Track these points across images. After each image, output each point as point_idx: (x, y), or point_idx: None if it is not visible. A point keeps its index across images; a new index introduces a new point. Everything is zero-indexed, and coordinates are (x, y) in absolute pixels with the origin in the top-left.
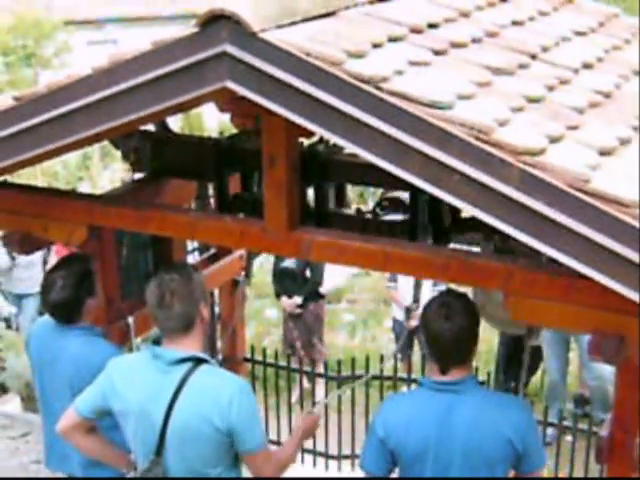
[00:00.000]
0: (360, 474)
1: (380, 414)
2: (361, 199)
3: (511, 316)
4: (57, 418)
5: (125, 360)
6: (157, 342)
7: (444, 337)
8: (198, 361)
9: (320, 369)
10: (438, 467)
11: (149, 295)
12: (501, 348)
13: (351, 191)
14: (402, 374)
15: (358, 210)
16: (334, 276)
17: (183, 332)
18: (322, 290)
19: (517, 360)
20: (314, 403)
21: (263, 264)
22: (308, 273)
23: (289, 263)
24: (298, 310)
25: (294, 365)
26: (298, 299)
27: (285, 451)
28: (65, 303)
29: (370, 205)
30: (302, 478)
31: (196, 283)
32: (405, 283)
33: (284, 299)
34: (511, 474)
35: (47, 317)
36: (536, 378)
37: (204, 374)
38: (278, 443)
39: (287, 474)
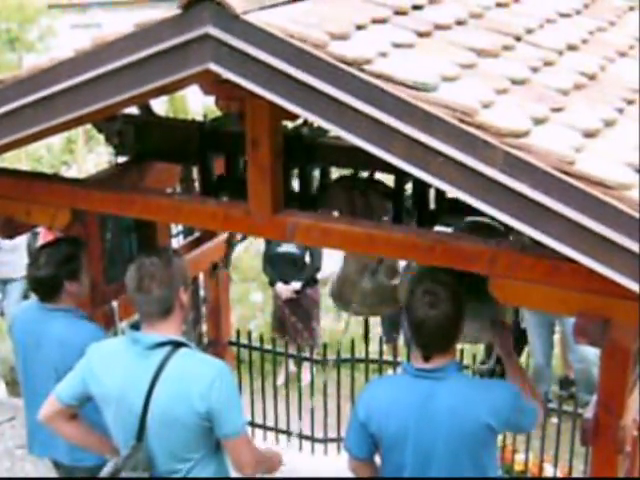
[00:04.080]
0: (345, 457)
1: (362, 398)
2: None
3: (497, 298)
4: (41, 402)
5: (104, 345)
6: (136, 326)
7: (428, 325)
8: (177, 345)
9: (306, 352)
10: (418, 453)
11: (128, 279)
12: None
13: (336, 173)
14: (388, 357)
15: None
16: (332, 262)
17: (162, 317)
18: (319, 276)
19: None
20: (299, 387)
21: (248, 247)
22: (307, 258)
23: (288, 248)
24: (295, 295)
25: (280, 349)
26: (297, 284)
27: (263, 450)
28: (43, 280)
29: None
30: (302, 479)
31: (176, 267)
32: None
33: (280, 285)
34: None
35: (31, 301)
36: (521, 361)
37: (183, 358)
38: (264, 426)
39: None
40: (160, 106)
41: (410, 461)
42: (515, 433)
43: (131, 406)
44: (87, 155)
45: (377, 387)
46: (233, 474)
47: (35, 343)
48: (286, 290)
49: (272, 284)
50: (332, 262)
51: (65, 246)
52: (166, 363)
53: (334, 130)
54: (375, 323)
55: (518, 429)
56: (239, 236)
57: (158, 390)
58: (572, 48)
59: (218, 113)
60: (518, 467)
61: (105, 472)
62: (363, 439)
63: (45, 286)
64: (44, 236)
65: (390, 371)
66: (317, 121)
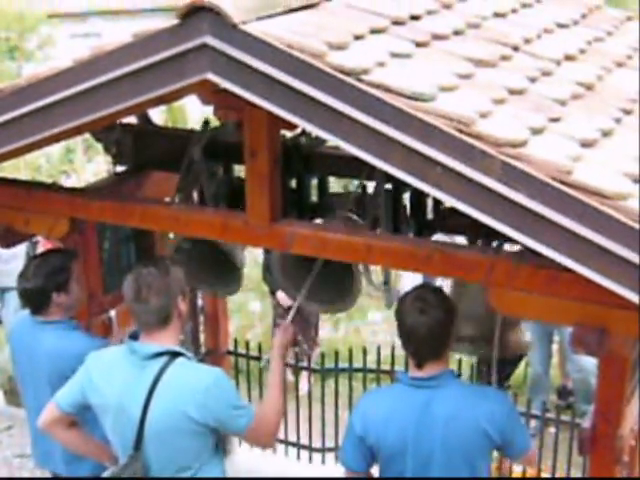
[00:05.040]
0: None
1: (357, 410)
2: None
3: (495, 308)
4: (39, 413)
5: (104, 354)
6: (134, 336)
7: (419, 331)
8: (174, 355)
9: (304, 362)
10: (417, 463)
11: (126, 289)
12: None
13: (334, 183)
14: (385, 366)
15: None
16: None
17: (160, 326)
18: None
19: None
20: (297, 396)
21: (246, 257)
22: None
23: None
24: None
25: None
26: None
27: (272, 397)
28: (31, 292)
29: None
30: (302, 478)
31: (173, 277)
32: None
33: (280, 294)
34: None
35: (26, 312)
36: (519, 370)
37: (179, 367)
38: None
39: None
40: (159, 115)
41: (409, 471)
42: (510, 454)
43: (129, 415)
44: (86, 164)
45: (372, 399)
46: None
47: (28, 356)
48: (288, 298)
49: (273, 292)
50: None
51: (53, 257)
52: (163, 373)
53: (332, 140)
54: (372, 332)
55: (512, 443)
56: None
57: (155, 400)
58: (570, 58)
59: (217, 123)
60: (516, 477)
61: None
62: (360, 452)
63: (33, 298)
64: (44, 245)
65: (388, 381)
66: (315, 131)
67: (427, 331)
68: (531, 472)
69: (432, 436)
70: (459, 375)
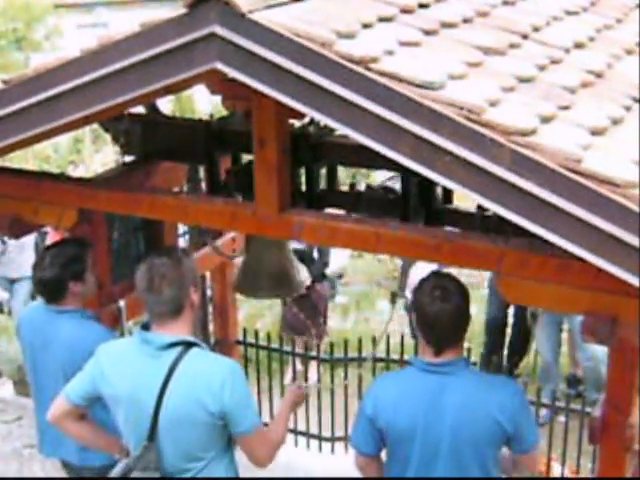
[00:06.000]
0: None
1: (370, 393)
2: (353, 180)
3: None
4: (50, 403)
5: (114, 345)
6: (146, 326)
7: (442, 319)
8: (188, 345)
9: (313, 351)
10: (426, 448)
11: (138, 279)
12: (489, 322)
13: (342, 172)
14: (395, 355)
15: (352, 185)
16: (339, 257)
17: (173, 316)
18: (327, 271)
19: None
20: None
21: None
22: (315, 254)
23: (296, 244)
24: (304, 291)
25: (287, 347)
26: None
27: (276, 431)
28: (47, 282)
29: (362, 186)
30: (301, 479)
31: (186, 267)
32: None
33: None
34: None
35: (39, 301)
36: (529, 359)
37: (194, 358)
38: None
39: (280, 458)
40: (167, 105)
41: (416, 456)
42: (517, 449)
43: (143, 406)
44: (94, 154)
45: (385, 382)
46: (242, 473)
47: (42, 344)
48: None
49: None
50: (340, 257)
51: (69, 247)
52: (178, 363)
53: (341, 129)
54: (381, 322)
55: (521, 436)
56: None
57: (170, 390)
58: (579, 46)
59: (225, 112)
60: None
61: (116, 472)
62: (370, 435)
63: (50, 287)
64: (52, 236)
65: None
66: (324, 120)
67: (451, 318)
68: (541, 460)
69: (442, 423)
70: (474, 364)
